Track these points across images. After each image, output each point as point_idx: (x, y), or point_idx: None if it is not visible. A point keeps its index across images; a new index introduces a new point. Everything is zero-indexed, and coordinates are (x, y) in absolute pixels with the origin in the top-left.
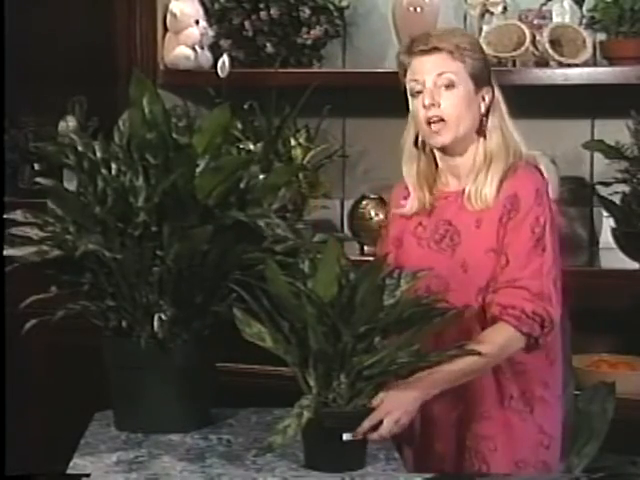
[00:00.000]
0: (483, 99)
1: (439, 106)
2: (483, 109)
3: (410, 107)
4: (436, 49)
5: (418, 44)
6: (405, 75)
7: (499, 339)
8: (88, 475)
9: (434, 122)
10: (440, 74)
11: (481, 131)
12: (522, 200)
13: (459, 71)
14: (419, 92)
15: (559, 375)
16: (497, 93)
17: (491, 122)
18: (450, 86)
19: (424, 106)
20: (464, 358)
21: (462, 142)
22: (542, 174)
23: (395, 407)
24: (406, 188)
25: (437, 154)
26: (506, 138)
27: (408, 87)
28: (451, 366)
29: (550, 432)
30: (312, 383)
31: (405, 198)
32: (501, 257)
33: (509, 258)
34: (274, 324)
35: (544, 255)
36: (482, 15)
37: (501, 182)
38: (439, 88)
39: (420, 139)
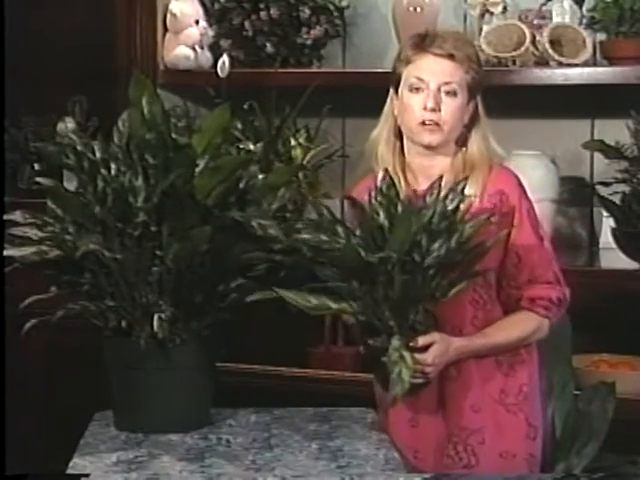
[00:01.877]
0: (468, 111)
1: (440, 111)
2: (466, 120)
3: (401, 99)
4: (451, 56)
5: (432, 46)
6: (406, 65)
7: (529, 327)
8: (87, 475)
9: (429, 125)
10: (447, 83)
11: (459, 140)
12: (510, 196)
13: (462, 81)
14: (419, 89)
15: (536, 365)
16: (480, 106)
17: (474, 134)
18: (452, 94)
19: (424, 108)
20: (496, 337)
21: (445, 146)
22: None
23: (440, 353)
24: (368, 187)
25: (413, 151)
26: (487, 148)
27: (407, 81)
28: (485, 339)
29: (535, 424)
30: (392, 323)
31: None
32: (510, 255)
33: (520, 256)
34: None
35: (544, 244)
36: (482, 15)
37: (484, 187)
38: (441, 93)
39: (397, 132)
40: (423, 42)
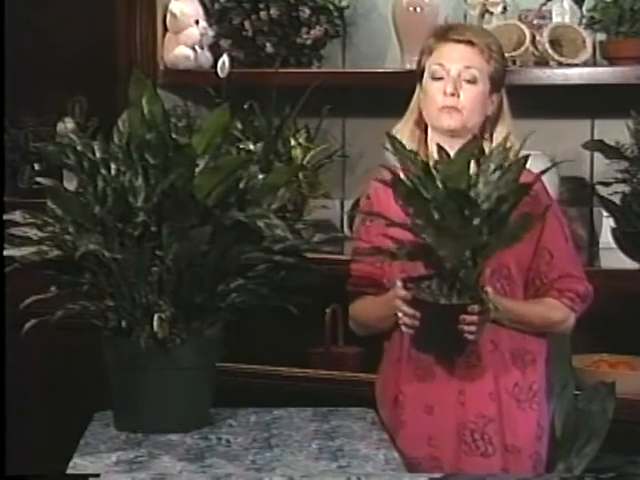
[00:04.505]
0: (492, 103)
1: (459, 97)
2: (489, 112)
3: (424, 89)
4: (470, 42)
5: (454, 33)
6: (428, 56)
7: (558, 313)
8: (98, 475)
9: (448, 110)
10: (467, 67)
11: (482, 131)
12: (540, 195)
13: (483, 69)
14: (440, 78)
15: (544, 365)
16: (505, 101)
17: (500, 128)
18: (472, 81)
19: (444, 93)
20: (527, 309)
21: (465, 134)
22: None
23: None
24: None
25: (436, 140)
26: (512, 144)
27: (430, 69)
28: (517, 305)
29: (542, 423)
30: (469, 278)
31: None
32: (542, 253)
33: (553, 254)
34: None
35: (569, 242)
36: (482, 15)
37: None
38: (461, 80)
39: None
40: (444, 31)
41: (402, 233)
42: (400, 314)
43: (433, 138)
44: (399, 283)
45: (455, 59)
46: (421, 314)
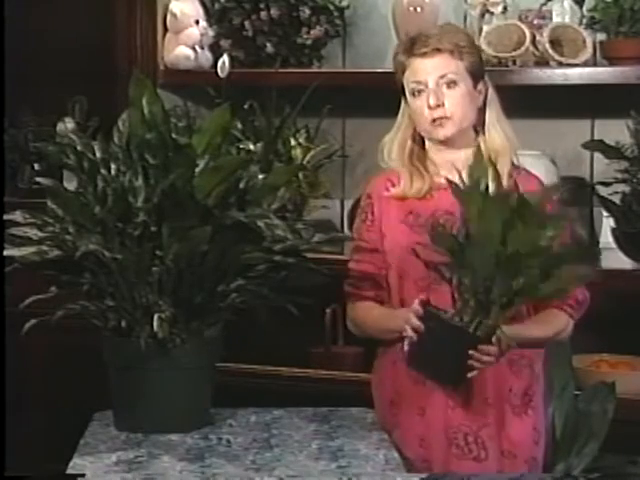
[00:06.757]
0: (480, 93)
1: (444, 105)
2: (480, 103)
3: (409, 105)
4: (437, 50)
5: (418, 46)
6: (403, 74)
7: (559, 324)
8: (83, 475)
9: (439, 121)
10: (442, 76)
11: (478, 125)
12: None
13: (459, 70)
14: (420, 91)
15: (541, 369)
16: (490, 87)
17: (489, 117)
18: (452, 84)
19: (429, 107)
20: (533, 329)
21: (462, 136)
22: None
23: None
24: (389, 180)
25: (433, 148)
26: (505, 133)
27: (408, 87)
28: (523, 329)
29: (539, 428)
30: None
31: (391, 187)
32: None
33: None
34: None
35: None
36: (482, 15)
37: (510, 176)
38: (441, 87)
39: (416, 133)
40: (410, 47)
41: (399, 235)
42: (408, 327)
43: (431, 147)
44: (417, 301)
45: (428, 72)
46: (430, 329)
